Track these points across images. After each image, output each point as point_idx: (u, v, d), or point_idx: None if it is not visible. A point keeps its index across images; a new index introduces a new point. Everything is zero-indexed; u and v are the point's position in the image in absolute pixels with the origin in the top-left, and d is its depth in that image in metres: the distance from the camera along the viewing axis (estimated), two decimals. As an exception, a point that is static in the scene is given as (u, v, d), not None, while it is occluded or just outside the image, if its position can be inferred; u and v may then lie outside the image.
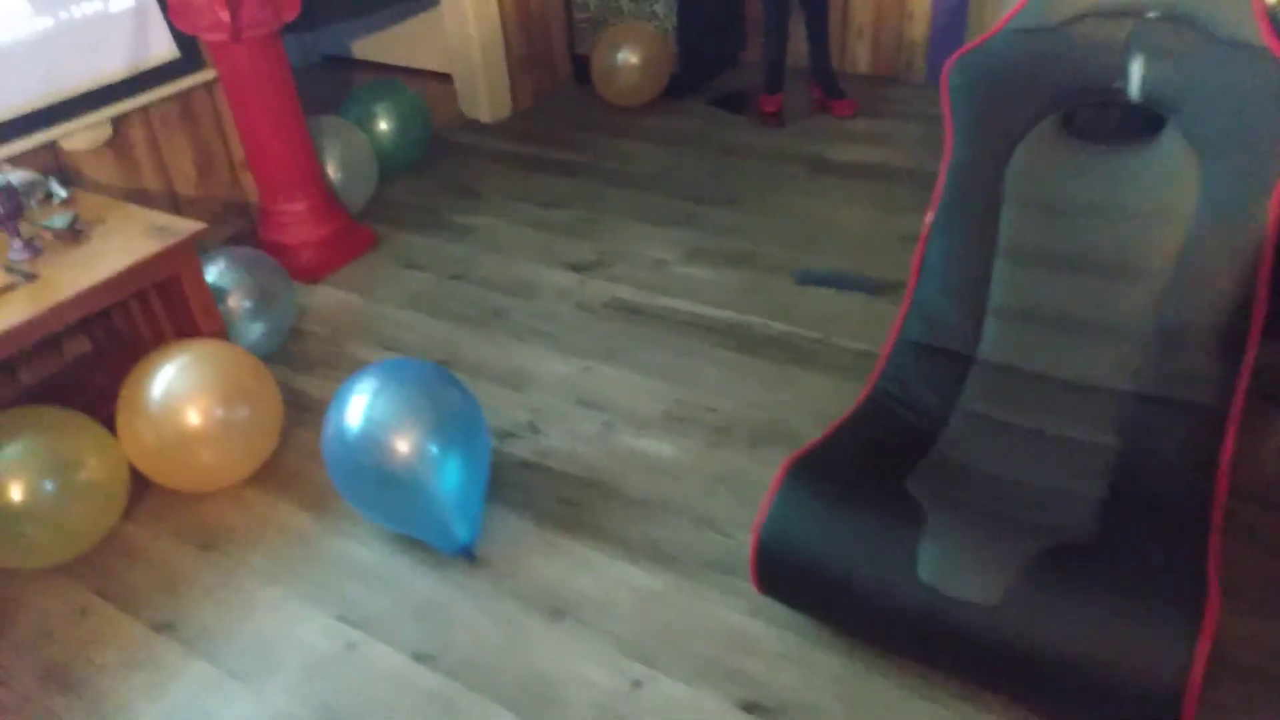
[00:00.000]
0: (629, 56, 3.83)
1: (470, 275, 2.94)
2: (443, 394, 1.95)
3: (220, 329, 2.27)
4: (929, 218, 1.99)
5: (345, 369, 2.56)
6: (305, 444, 2.30)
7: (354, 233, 3.10)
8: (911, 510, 1.55)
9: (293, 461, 2.26)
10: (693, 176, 3.40)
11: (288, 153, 2.83)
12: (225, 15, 2.52)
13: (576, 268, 2.92)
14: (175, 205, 2.88)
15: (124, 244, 2.10)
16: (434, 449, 1.86)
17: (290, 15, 2.68)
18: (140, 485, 2.14)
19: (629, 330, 2.61)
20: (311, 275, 2.97)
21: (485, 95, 3.94)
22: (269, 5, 2.59)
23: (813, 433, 2.18)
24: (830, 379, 2.35)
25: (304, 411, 2.41)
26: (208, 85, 2.85)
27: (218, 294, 2.45)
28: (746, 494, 2.04)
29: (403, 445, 1.84)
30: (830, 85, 3.81)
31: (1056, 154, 1.86)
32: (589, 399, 2.37)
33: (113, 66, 2.60)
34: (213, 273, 2.48)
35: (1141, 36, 1.76)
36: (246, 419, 2.08)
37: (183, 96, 2.79)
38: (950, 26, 3.81)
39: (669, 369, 2.44)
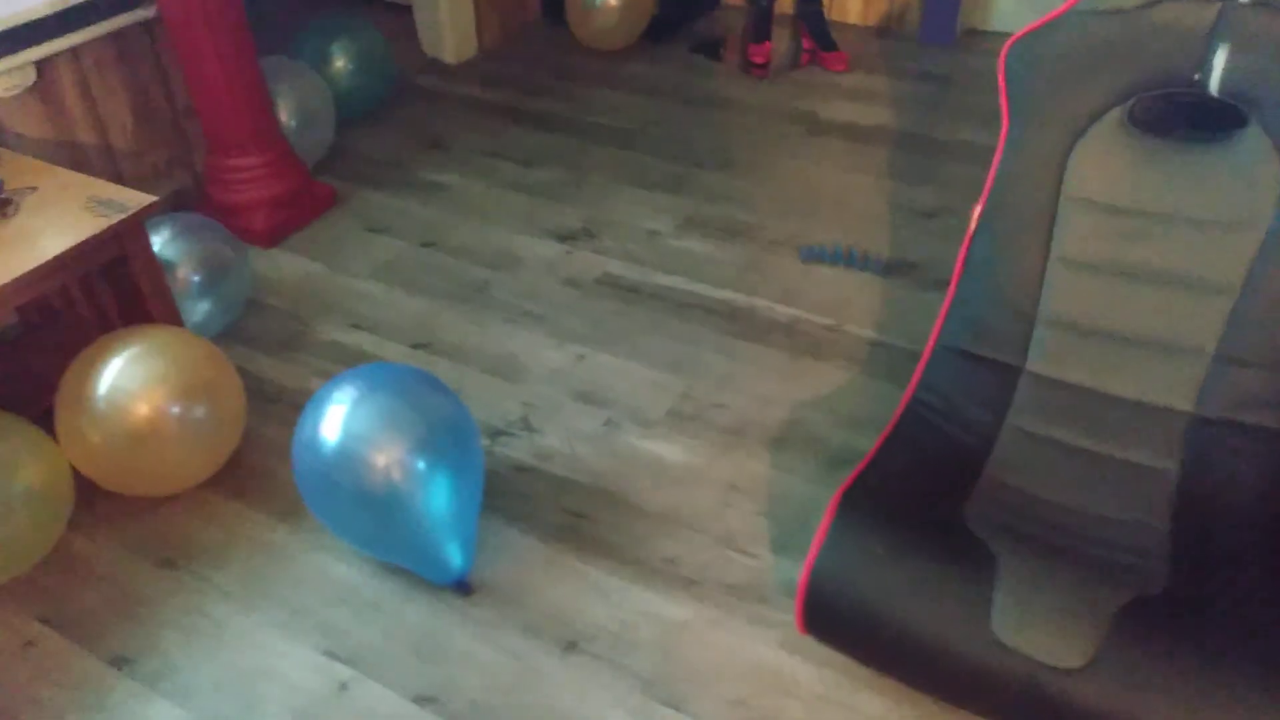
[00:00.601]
0: (608, -3, 3.55)
1: (445, 242, 2.70)
2: (429, 402, 1.73)
3: (173, 313, 2.01)
4: (977, 211, 1.82)
5: (312, 351, 2.32)
6: (271, 440, 2.07)
7: (312, 190, 2.81)
8: (978, 553, 1.42)
9: (258, 460, 2.03)
10: (680, 134, 3.17)
11: (240, 103, 2.52)
12: (168, -56, 2.19)
13: (562, 237, 2.70)
14: (111, 159, 2.56)
15: (60, 220, 1.81)
16: (421, 465, 1.65)
17: (243, -55, 2.35)
18: (85, 492, 1.89)
19: (625, 311, 2.41)
20: (267, 239, 2.68)
21: (450, 33, 3.62)
22: (219, -67, 2.27)
23: (831, 434, 2.03)
24: (845, 372, 2.20)
25: (268, 402, 2.17)
26: (146, 24, 2.51)
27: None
28: (765, 507, 1.89)
29: (385, 461, 1.63)
30: (823, 36, 3.58)
31: (1122, 151, 1.70)
32: (587, 392, 2.17)
33: (35, 1, 2.26)
34: (155, 243, 2.20)
35: (1229, 23, 1.60)
36: (205, 415, 1.84)
37: (117, 36, 2.46)
38: (949, -23, 3.60)
39: (671, 358, 2.26)
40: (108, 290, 1.97)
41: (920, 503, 1.53)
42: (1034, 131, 1.74)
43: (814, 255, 2.55)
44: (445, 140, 3.18)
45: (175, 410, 1.80)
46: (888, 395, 2.12)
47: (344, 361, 2.29)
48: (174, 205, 2.75)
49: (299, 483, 1.71)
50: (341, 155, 3.09)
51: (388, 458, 1.63)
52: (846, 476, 1.58)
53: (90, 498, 1.92)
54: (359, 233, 2.75)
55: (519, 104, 3.39)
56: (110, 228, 1.79)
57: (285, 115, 2.84)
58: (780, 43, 3.67)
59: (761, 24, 3.59)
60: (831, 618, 1.46)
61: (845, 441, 2.01)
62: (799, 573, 1.67)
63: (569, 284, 2.52)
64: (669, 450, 2.02)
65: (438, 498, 1.67)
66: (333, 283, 2.55)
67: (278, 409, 2.15)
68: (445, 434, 1.70)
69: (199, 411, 1.83)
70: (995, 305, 1.79)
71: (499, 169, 3.02)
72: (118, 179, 2.59)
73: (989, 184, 1.80)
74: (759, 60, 3.57)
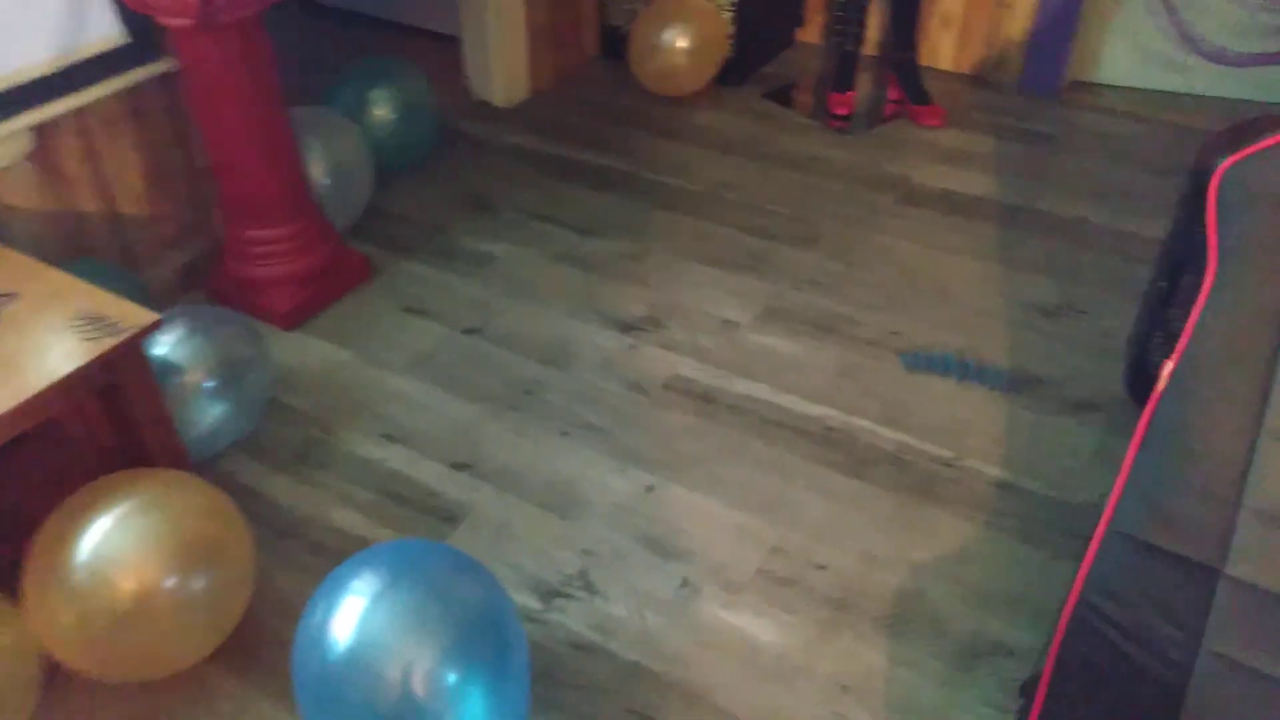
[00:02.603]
0: (678, 38, 3.19)
1: (490, 329, 2.36)
2: (461, 595, 1.39)
3: (174, 448, 1.69)
4: (1168, 368, 1.45)
5: (335, 470, 1.99)
6: (283, 594, 1.74)
7: (344, 261, 2.49)
8: None
9: (266, 622, 1.70)
10: (756, 198, 2.82)
11: (266, 168, 2.21)
12: (186, -5, 1.88)
13: (624, 325, 2.35)
14: (117, 230, 2.25)
15: (41, 343, 1.50)
16: (451, 678, 1.31)
17: (273, -6, 2.03)
18: (57, 675, 1.57)
19: (699, 428, 2.06)
20: (290, 320, 2.37)
21: (500, 72, 3.29)
22: (245, -18, 1.95)
23: (960, 614, 1.67)
24: (969, 523, 1.83)
25: (281, 537, 1.85)
26: (164, 77, 2.20)
27: (169, 370, 1.86)
28: (885, 718, 1.53)
29: (406, 674, 1.29)
30: (915, 87, 3.21)
31: (1372, 304, 1.32)
32: (659, 538, 1.83)
33: (34, 57, 1.95)
34: (163, 344, 1.89)
35: None
36: (206, 586, 1.52)
37: (130, 91, 2.15)
38: (1057, 25, 3.21)
39: (758, 495, 1.91)
40: (95, 415, 1.66)
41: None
42: (1251, 281, 1.37)
43: (920, 363, 2.19)
44: (492, 200, 2.85)
45: (170, 583, 1.47)
46: (1025, 562, 1.76)
47: (372, 485, 1.96)
48: (186, 277, 2.44)
49: (299, 694, 1.37)
50: (378, 217, 2.77)
51: (409, 669, 1.30)
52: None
53: (62, 687, 1.59)
54: (395, 314, 2.42)
55: (574, 157, 3.05)
56: (101, 356, 1.47)
57: (317, 173, 2.53)
58: (863, 90, 3.31)
59: (845, 70, 3.23)
60: None
61: (978, 627, 1.65)
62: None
63: (633, 388, 2.18)
64: (761, 627, 1.66)
65: (471, 713, 1.34)
66: (363, 377, 2.23)
67: (292, 548, 1.83)
68: (481, 637, 1.36)
69: (199, 582, 1.50)
70: (1185, 486, 1.42)
71: (552, 236, 2.68)
72: (125, 252, 2.28)
73: (1186, 337, 1.43)
74: (841, 111, 3.21)
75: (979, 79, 3.45)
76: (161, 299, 2.36)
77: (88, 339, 1.50)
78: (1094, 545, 1.48)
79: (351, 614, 1.33)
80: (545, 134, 3.18)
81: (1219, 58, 3.19)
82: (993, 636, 1.63)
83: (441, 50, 3.54)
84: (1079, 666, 1.32)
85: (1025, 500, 1.88)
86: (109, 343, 1.49)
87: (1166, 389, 1.45)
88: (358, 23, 3.84)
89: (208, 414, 1.93)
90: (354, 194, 2.65)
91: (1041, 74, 3.32)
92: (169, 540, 1.49)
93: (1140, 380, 2.00)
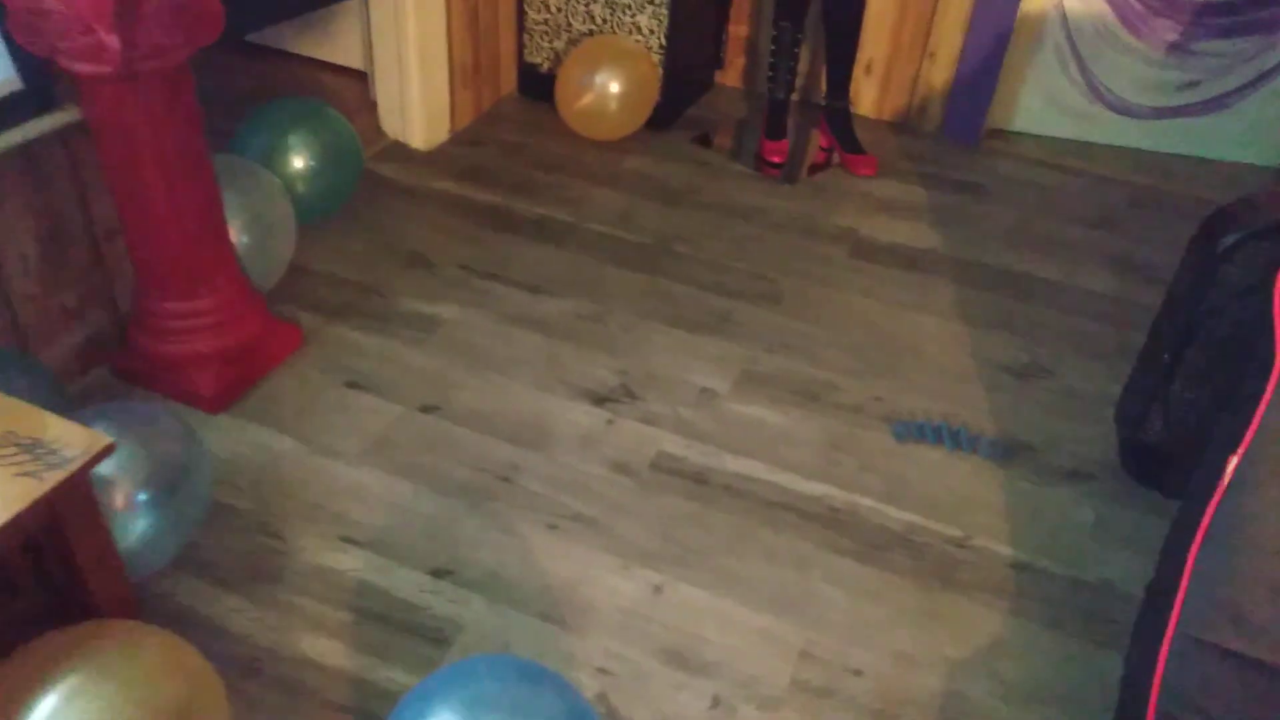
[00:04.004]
0: (609, 82, 3.05)
1: (451, 406, 2.14)
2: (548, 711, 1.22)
3: (124, 595, 1.40)
4: (1232, 464, 1.42)
5: (295, 585, 1.73)
6: (257, 742, 1.49)
7: (273, 331, 2.21)
8: None
9: (241, 778, 1.44)
10: (708, 252, 2.71)
11: (191, 237, 1.92)
12: (112, 39, 1.59)
13: (597, 398, 2.19)
14: (4, 298, 1.91)
15: (-44, 477, 1.20)
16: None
17: (209, 37, 1.76)
18: None
19: (698, 515, 1.92)
20: (218, 403, 2.07)
21: (420, 112, 3.05)
22: (179, 23, 1.67)
23: (1003, 714, 1.59)
24: (994, 611, 1.77)
25: (245, 676, 1.58)
26: (62, 131, 1.88)
27: (95, 484, 1.56)
28: (954, 839, 1.43)
29: None
30: (848, 135, 3.19)
31: None
32: (678, 649, 1.67)
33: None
34: (88, 450, 1.58)
35: None
36: (181, 764, 1.26)
37: (23, 149, 1.82)
38: (980, 75, 3.27)
39: (774, 590, 1.78)
40: (28, 561, 1.35)
41: None
42: (1325, 375, 1.36)
43: (910, 433, 2.13)
44: (427, 255, 2.62)
45: (135, 768, 1.21)
46: (1057, 651, 1.71)
47: (341, 602, 1.71)
48: (88, 355, 2.10)
49: None
50: (301, 276, 2.49)
51: None
52: None
53: None
54: (337, 390, 2.16)
55: (508, 205, 2.86)
56: (43, 498, 1.19)
57: (235, 231, 2.23)
58: (794, 137, 3.26)
59: (776, 118, 3.18)
60: None
61: (1029, 729, 1.58)
62: None
63: (619, 469, 2.01)
64: (806, 746, 1.54)
65: None
66: (311, 469, 1.97)
67: (261, 691, 1.56)
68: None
69: (170, 763, 1.24)
70: (1256, 585, 1.39)
71: (501, 297, 2.48)
72: (13, 329, 1.94)
73: (1251, 433, 1.41)
74: (776, 160, 3.15)
75: (900, 126, 3.47)
76: (61, 383, 2.02)
77: (22, 473, 1.21)
78: (1164, 650, 1.43)
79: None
80: (473, 180, 2.97)
81: (1124, 110, 3.33)
82: (1045, 739, 1.57)
83: (343, 85, 3.27)
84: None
85: (1042, 581, 1.83)
86: (52, 478, 1.21)
87: (1231, 484, 1.42)
88: (240, 51, 3.50)
89: (141, 531, 1.64)
90: (276, 253, 2.37)
91: (963, 122, 3.38)
92: (133, 716, 1.22)
93: (1140, 458, 2.01)
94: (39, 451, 1.24)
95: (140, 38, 1.62)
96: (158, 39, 1.64)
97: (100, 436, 1.27)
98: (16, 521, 1.15)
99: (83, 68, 1.64)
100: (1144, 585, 1.56)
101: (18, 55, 1.73)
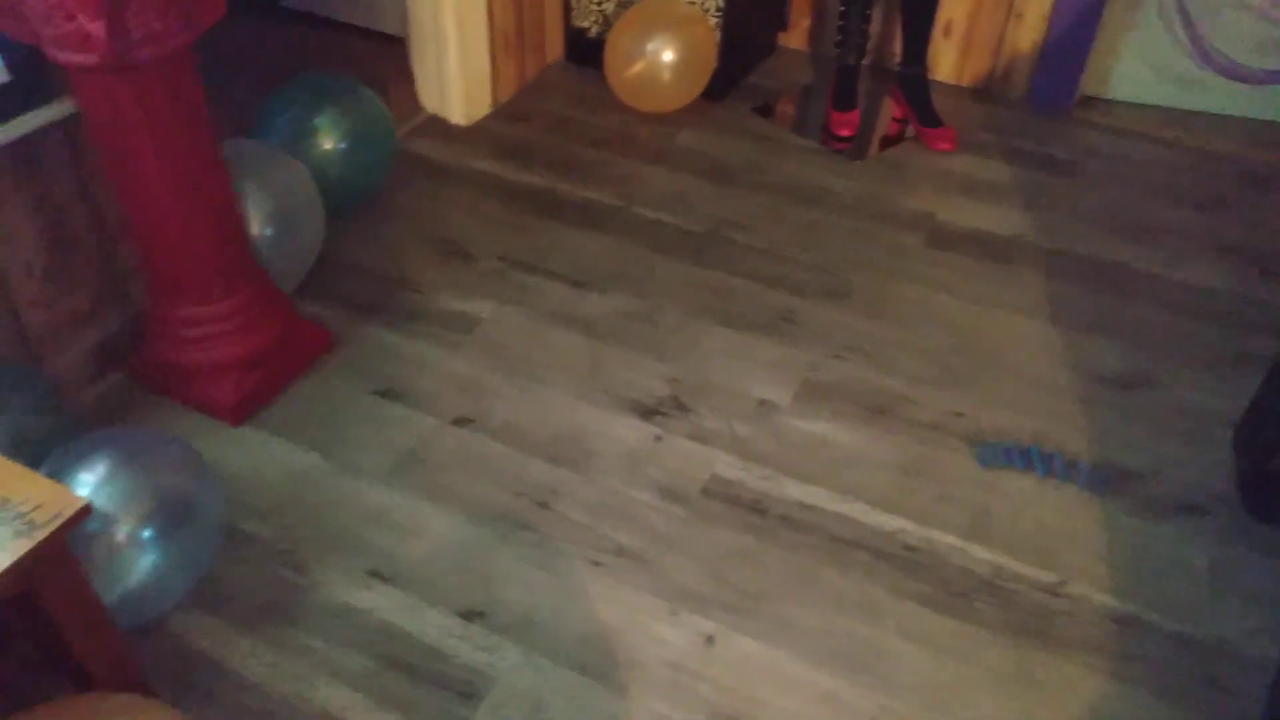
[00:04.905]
0: (664, 49, 2.81)
1: (485, 418, 1.97)
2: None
3: (117, 659, 1.26)
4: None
5: (314, 628, 1.58)
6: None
7: (298, 334, 2.06)
8: None
9: None
10: (768, 241, 2.48)
11: (201, 239, 1.76)
12: (97, 26, 1.41)
13: (644, 411, 1.99)
14: (9, 305, 1.77)
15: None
16: None
17: (211, 18, 1.57)
18: None
19: (755, 551, 1.73)
20: (239, 414, 1.93)
21: (460, 84, 2.85)
22: (176, 6, 1.49)
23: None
24: (1093, 674, 1.55)
25: (257, 735, 1.45)
26: (62, 123, 1.72)
27: (94, 519, 1.42)
28: None
29: None
30: (925, 106, 2.91)
31: None
32: (732, 715, 1.49)
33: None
34: (83, 484, 1.44)
35: None
36: None
37: (21, 144, 1.66)
38: (1073, 37, 2.95)
39: (842, 645, 1.58)
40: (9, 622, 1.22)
41: None
42: None
43: (996, 457, 1.90)
44: (464, 244, 2.43)
45: None
46: (1169, 725, 1.49)
47: (363, 647, 1.56)
48: (101, 360, 1.97)
49: None
50: (328, 269, 2.32)
51: None
52: None
53: None
54: (365, 399, 2.00)
55: (552, 187, 2.65)
56: (12, 567, 1.04)
57: (257, 224, 2.07)
58: (862, 106, 2.99)
59: (846, 87, 2.91)
60: None
61: (1137, 825, 1.38)
62: None
63: (667, 495, 1.83)
64: (878, 838, 1.36)
65: None
66: (336, 490, 1.81)
67: (272, 753, 1.43)
68: None
69: None
70: None
71: (543, 292, 2.29)
72: (20, 337, 1.80)
73: None
74: (844, 133, 2.89)
75: (982, 93, 3.17)
76: (72, 392, 1.89)
77: (-9, 540, 1.07)
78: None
79: None
80: (515, 159, 2.76)
81: (1236, 74, 2.99)
82: (1157, 837, 1.36)
83: (380, 53, 3.07)
84: None
85: (1148, 638, 1.61)
86: (21, 545, 1.06)
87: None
88: (271, 15, 3.32)
89: (145, 570, 1.50)
90: (302, 246, 2.21)
91: (1053, 90, 3.06)
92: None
93: (1263, 492, 1.76)
94: (4, 514, 1.09)
95: (132, 23, 1.44)
96: (151, 24, 1.46)
97: (73, 498, 1.11)
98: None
99: (68, 57, 1.47)
100: (1265, 643, 1.33)
101: (3, 44, 1.56)
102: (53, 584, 1.13)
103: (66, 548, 1.14)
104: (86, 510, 1.10)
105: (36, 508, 1.10)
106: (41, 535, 1.07)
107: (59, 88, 1.68)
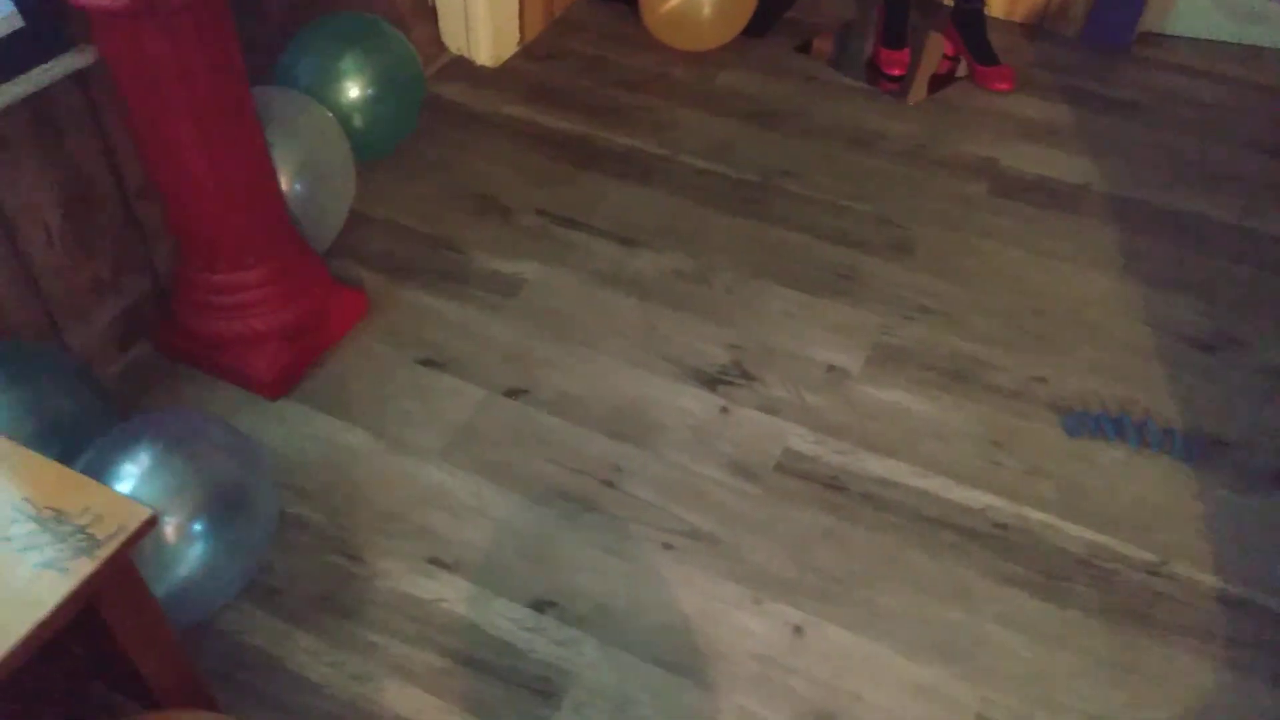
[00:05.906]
0: (704, -16, 2.63)
1: (539, 389, 1.85)
2: None
3: (184, 677, 1.16)
4: None
5: (374, 621, 1.48)
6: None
7: (336, 300, 1.92)
8: None
9: None
10: (824, 190, 2.34)
11: (235, 199, 1.61)
12: (121, -32, 1.25)
13: (707, 380, 1.88)
14: (25, 281, 1.63)
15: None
16: None
17: (242, -41, 1.41)
18: None
19: (837, 532, 1.63)
20: (277, 388, 1.80)
21: (486, 21, 2.66)
22: (206, -56, 1.33)
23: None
24: (1202, 661, 1.47)
25: (326, 741, 1.36)
26: (79, 75, 1.56)
27: (141, 516, 1.31)
28: None
29: None
30: (981, 43, 2.74)
31: None
32: (828, 711, 1.40)
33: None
34: (126, 478, 1.33)
35: None
36: None
37: (36, 99, 1.51)
38: (1137, -34, 2.78)
39: (938, 635, 1.49)
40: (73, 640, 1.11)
41: None
42: None
43: (1085, 426, 1.80)
44: (500, 198, 2.29)
45: None
46: (1289, 718, 1.42)
47: (429, 642, 1.46)
48: (125, 329, 1.84)
49: None
50: (362, 226, 2.18)
51: None
52: None
53: None
54: (410, 369, 1.88)
55: (590, 135, 2.49)
56: (69, 596, 0.92)
57: (286, 180, 1.92)
58: (917, 45, 2.82)
59: (896, 22, 2.74)
60: None
61: (1265, 827, 1.31)
62: None
63: (739, 472, 1.72)
64: (993, 844, 1.28)
65: None
66: (387, 469, 1.70)
67: (343, 761, 1.34)
68: None
69: None
70: None
71: (587, 249, 2.16)
72: (39, 307, 1.67)
73: None
74: (895, 72, 2.72)
75: (1035, 29, 3.00)
76: (97, 367, 1.77)
77: (42, 564, 0.95)
78: None
79: None
80: (547, 103, 2.60)
81: (1304, 8, 2.82)
82: (1286, 840, 1.29)
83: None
84: None
85: (1258, 621, 1.52)
86: (83, 566, 0.94)
87: None
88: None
89: (196, 566, 1.39)
90: (334, 203, 2.05)
91: (1111, 24, 2.89)
92: None
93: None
94: (63, 530, 0.98)
95: (161, -37, 1.28)
96: (183, -36, 1.30)
97: (137, 507, 1.00)
98: (29, 642, 0.89)
99: (93, 1, 1.31)
100: None
101: (15, -14, 1.40)
102: (113, 595, 1.02)
103: (131, 563, 1.02)
104: (153, 521, 0.99)
105: (96, 519, 0.98)
106: (105, 554, 0.95)
107: (76, 35, 1.51)
